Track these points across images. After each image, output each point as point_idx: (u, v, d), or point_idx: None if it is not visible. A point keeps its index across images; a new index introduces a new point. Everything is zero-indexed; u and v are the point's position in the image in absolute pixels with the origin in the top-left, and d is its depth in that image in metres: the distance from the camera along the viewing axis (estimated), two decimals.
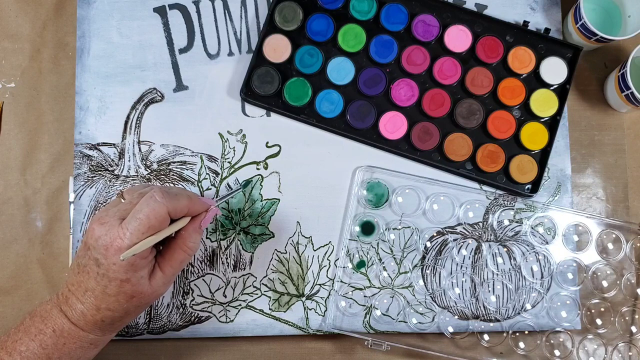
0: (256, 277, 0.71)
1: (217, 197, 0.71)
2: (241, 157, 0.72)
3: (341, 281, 0.71)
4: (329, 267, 0.71)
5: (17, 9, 0.75)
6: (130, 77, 0.73)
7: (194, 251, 0.59)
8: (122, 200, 0.57)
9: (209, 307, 0.70)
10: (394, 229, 0.71)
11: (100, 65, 0.73)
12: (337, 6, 0.73)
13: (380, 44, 0.73)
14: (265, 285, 0.71)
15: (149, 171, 0.72)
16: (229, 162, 0.72)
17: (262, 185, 0.72)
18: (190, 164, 0.72)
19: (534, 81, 0.73)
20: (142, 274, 0.56)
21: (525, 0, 0.75)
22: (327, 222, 0.71)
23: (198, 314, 0.70)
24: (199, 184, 0.72)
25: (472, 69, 0.72)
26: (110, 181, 0.72)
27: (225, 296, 0.70)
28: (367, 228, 0.71)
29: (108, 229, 0.54)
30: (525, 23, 0.73)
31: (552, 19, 0.74)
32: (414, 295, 0.70)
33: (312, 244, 0.71)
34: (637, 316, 0.70)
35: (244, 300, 0.70)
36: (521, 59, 0.72)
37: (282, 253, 0.71)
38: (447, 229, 0.71)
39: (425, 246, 0.71)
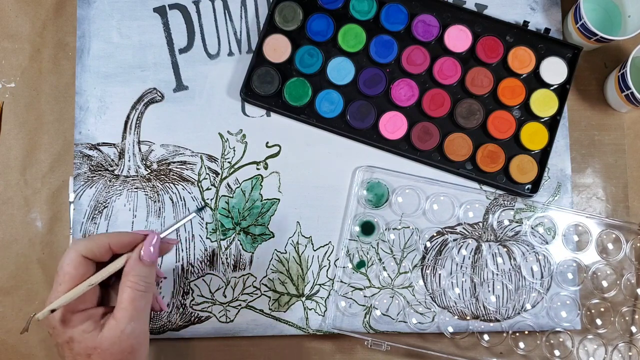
0: (256, 277, 0.71)
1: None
2: (241, 157, 0.72)
3: (341, 281, 0.71)
4: (329, 267, 0.71)
5: (17, 9, 0.75)
6: (130, 77, 0.73)
7: (142, 285, 0.54)
8: None
9: (209, 307, 0.70)
10: (394, 229, 0.71)
11: (100, 65, 0.73)
12: (337, 6, 0.73)
13: (380, 44, 0.72)
14: (265, 285, 0.71)
15: (149, 171, 0.72)
16: (229, 162, 0.72)
17: (262, 185, 0.72)
18: (190, 164, 0.72)
19: (534, 81, 0.73)
20: (83, 327, 0.53)
21: (525, 0, 0.75)
22: (327, 222, 0.71)
23: (198, 314, 0.70)
24: (199, 184, 0.72)
25: (472, 69, 0.72)
26: (110, 181, 0.72)
27: (225, 296, 0.70)
28: (367, 228, 0.71)
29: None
30: (525, 23, 0.73)
31: (552, 19, 0.74)
32: (414, 295, 0.70)
33: (312, 244, 0.71)
34: (637, 316, 0.70)
35: (244, 300, 0.70)
36: (521, 59, 0.72)
37: (282, 253, 0.71)
38: (447, 229, 0.71)
39: (425, 246, 0.71)
